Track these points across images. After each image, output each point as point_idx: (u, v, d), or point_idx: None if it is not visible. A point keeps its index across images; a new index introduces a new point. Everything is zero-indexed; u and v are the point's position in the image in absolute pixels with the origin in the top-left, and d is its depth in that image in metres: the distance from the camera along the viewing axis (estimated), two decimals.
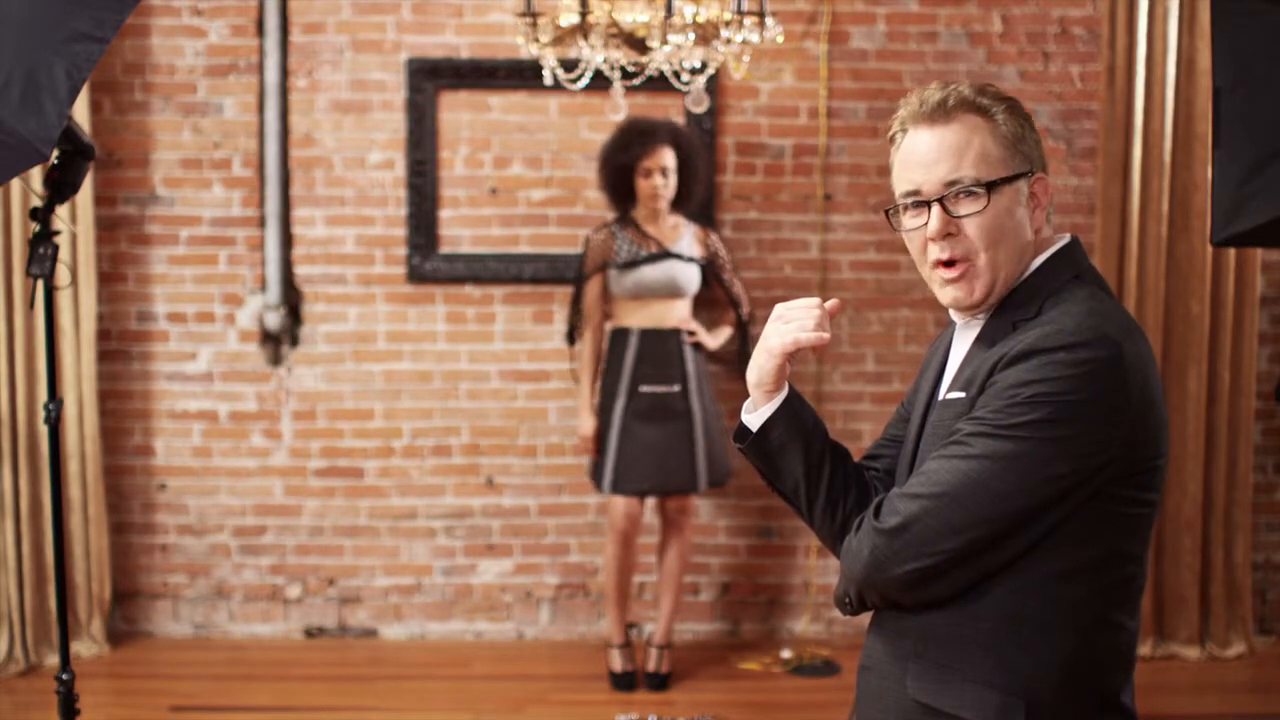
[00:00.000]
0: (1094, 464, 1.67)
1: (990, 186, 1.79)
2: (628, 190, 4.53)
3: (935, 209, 1.81)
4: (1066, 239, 1.88)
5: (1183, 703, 4.57)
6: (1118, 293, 4.86)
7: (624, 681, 4.57)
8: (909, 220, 1.85)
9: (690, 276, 4.55)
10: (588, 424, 4.55)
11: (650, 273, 4.50)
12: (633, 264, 4.49)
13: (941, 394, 1.86)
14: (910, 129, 1.85)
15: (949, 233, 1.81)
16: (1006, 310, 1.82)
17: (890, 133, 1.89)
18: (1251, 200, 2.66)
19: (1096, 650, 1.74)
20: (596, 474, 4.59)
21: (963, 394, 1.78)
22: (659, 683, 4.54)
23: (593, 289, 4.59)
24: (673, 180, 4.49)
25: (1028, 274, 1.83)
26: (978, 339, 1.85)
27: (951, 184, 1.79)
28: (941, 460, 1.73)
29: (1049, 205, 1.85)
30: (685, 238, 4.57)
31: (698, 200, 4.64)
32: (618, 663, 4.61)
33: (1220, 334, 4.89)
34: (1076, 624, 1.73)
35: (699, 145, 4.64)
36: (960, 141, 1.80)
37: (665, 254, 4.51)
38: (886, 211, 1.90)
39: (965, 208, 1.80)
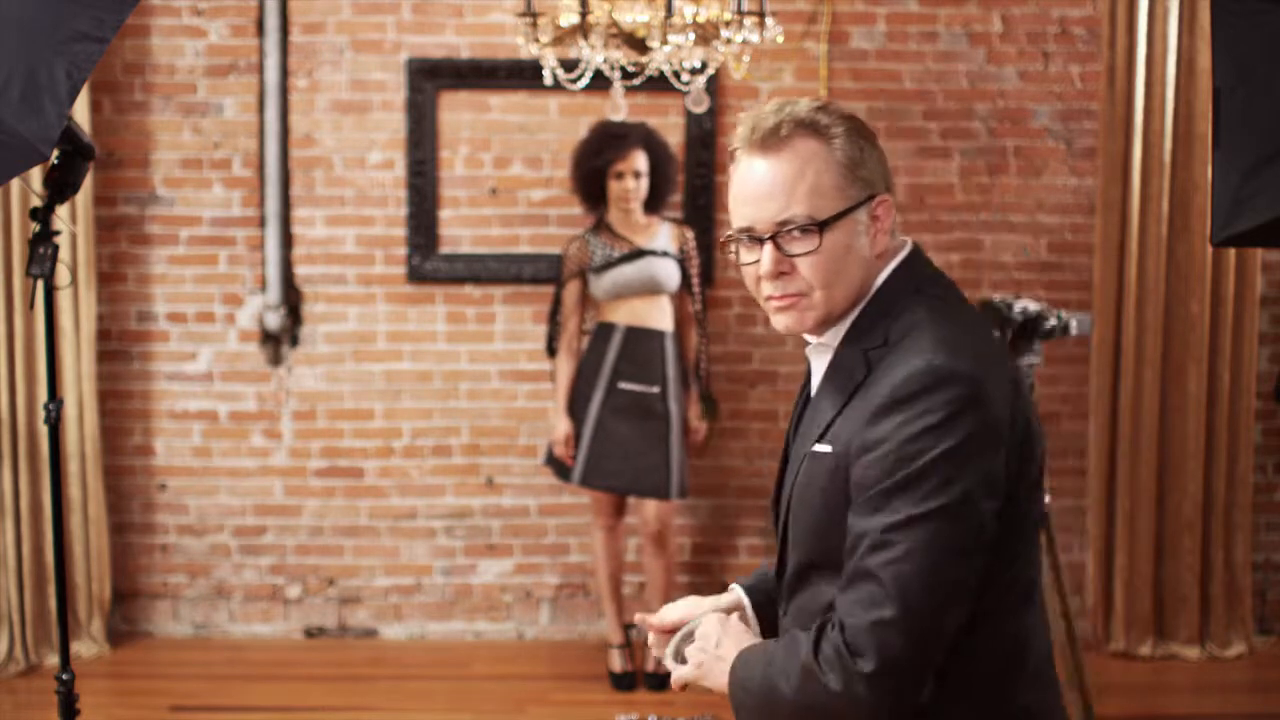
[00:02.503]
0: (1000, 490, 1.66)
1: (824, 225, 1.73)
2: (600, 192, 4.55)
3: (768, 248, 1.75)
4: (907, 249, 1.82)
5: (1183, 703, 4.57)
6: (1118, 293, 4.86)
7: (624, 681, 4.58)
8: (744, 254, 1.79)
9: (669, 272, 4.54)
10: (562, 427, 4.55)
11: (627, 271, 4.50)
12: (608, 265, 4.49)
13: (810, 444, 1.78)
14: (743, 156, 1.78)
15: (782, 271, 1.76)
16: (855, 338, 1.77)
17: (730, 149, 1.82)
18: (1252, 200, 2.65)
19: (997, 656, 1.74)
20: (560, 468, 4.58)
21: (829, 449, 1.73)
22: (659, 683, 4.54)
23: (569, 295, 4.59)
24: (644, 182, 4.51)
25: (871, 294, 1.78)
26: (831, 371, 1.80)
27: (784, 223, 1.74)
28: (874, 573, 1.62)
29: (892, 222, 1.79)
30: (661, 234, 4.57)
31: (667, 201, 4.66)
32: (617, 663, 4.62)
33: (1220, 334, 4.89)
34: (977, 633, 1.70)
35: (669, 147, 4.66)
36: (792, 174, 1.74)
37: (640, 252, 4.51)
38: (724, 242, 1.85)
39: (799, 247, 1.74)
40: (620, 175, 4.48)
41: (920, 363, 1.65)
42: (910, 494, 1.62)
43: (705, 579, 5.06)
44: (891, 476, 1.63)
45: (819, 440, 1.76)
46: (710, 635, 1.83)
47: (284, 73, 4.93)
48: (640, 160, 4.49)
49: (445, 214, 5.00)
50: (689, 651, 1.85)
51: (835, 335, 1.80)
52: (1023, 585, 1.76)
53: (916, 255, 1.83)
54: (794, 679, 1.66)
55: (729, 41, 3.41)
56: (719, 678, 1.79)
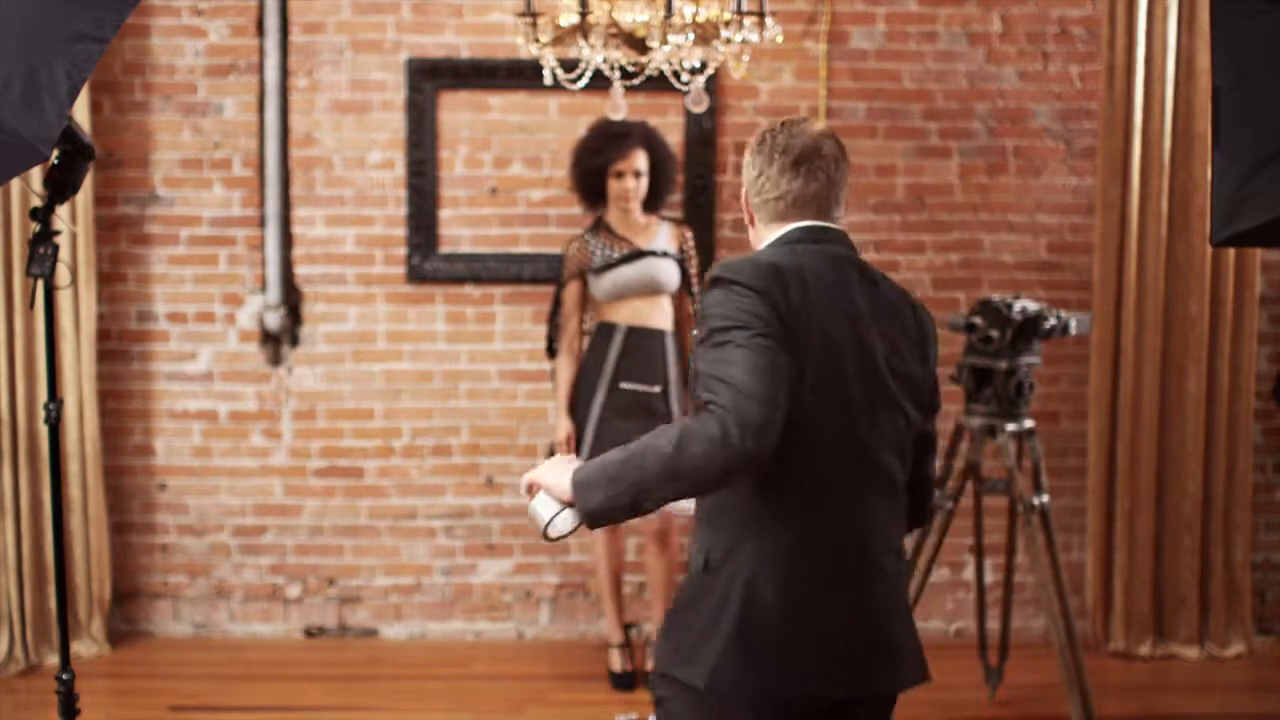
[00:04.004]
0: (760, 328, 2.15)
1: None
2: (599, 191, 4.55)
3: None
4: (780, 232, 2.34)
5: (1182, 703, 4.57)
6: (1117, 292, 4.87)
7: (624, 681, 4.58)
8: None
9: (669, 272, 4.54)
10: (563, 427, 4.54)
11: (627, 272, 4.50)
12: (608, 266, 4.49)
13: None
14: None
15: None
16: None
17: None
18: (1251, 200, 2.65)
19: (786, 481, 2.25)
20: None
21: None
22: None
23: (569, 296, 4.59)
24: (644, 182, 4.51)
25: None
26: None
27: None
28: (721, 378, 2.13)
29: (756, 213, 2.39)
30: (661, 234, 4.57)
31: (667, 201, 4.66)
32: (617, 663, 4.62)
33: (1219, 334, 4.90)
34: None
35: (669, 146, 4.66)
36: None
37: (639, 253, 4.51)
38: None
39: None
40: (620, 175, 4.48)
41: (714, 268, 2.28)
42: (711, 340, 2.18)
43: None
44: (703, 330, 2.23)
45: None
46: (558, 459, 2.29)
47: (284, 73, 4.93)
48: (640, 160, 4.49)
49: (445, 214, 5.01)
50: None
51: None
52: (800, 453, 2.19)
53: (793, 232, 2.33)
54: (672, 437, 2.09)
55: (728, 41, 3.42)
56: (562, 475, 2.18)
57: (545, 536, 2.20)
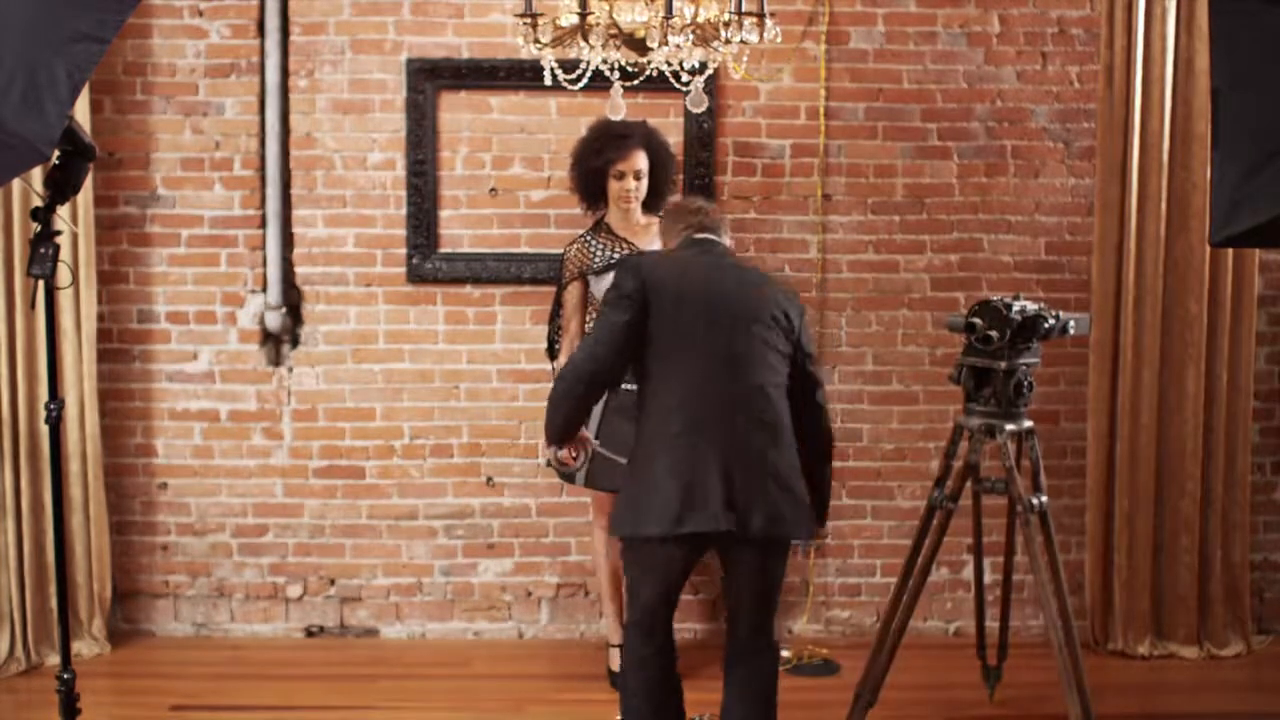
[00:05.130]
0: (626, 312, 3.45)
1: None
2: (599, 191, 4.55)
3: None
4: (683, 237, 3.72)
5: (1181, 702, 4.58)
6: (1116, 292, 4.87)
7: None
8: None
9: None
10: None
11: None
12: (609, 267, 4.49)
13: None
14: None
15: None
16: None
17: None
18: (1250, 200, 2.66)
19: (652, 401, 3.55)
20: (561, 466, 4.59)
21: None
22: None
23: (571, 297, 4.59)
24: (645, 182, 4.51)
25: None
26: None
27: None
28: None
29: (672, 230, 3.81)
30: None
31: (667, 201, 4.66)
32: (617, 662, 4.62)
33: (1218, 334, 4.90)
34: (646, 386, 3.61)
35: (670, 147, 4.66)
36: None
37: (640, 253, 4.51)
38: None
39: None
40: (621, 175, 4.49)
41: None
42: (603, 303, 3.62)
43: (706, 577, 5.07)
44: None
45: None
46: None
47: (284, 73, 4.94)
48: (641, 160, 4.50)
49: (445, 214, 5.01)
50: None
51: None
52: (660, 376, 3.48)
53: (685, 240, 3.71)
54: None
55: (728, 42, 3.42)
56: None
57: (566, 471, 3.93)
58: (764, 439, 3.43)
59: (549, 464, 4.15)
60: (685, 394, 3.41)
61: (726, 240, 3.74)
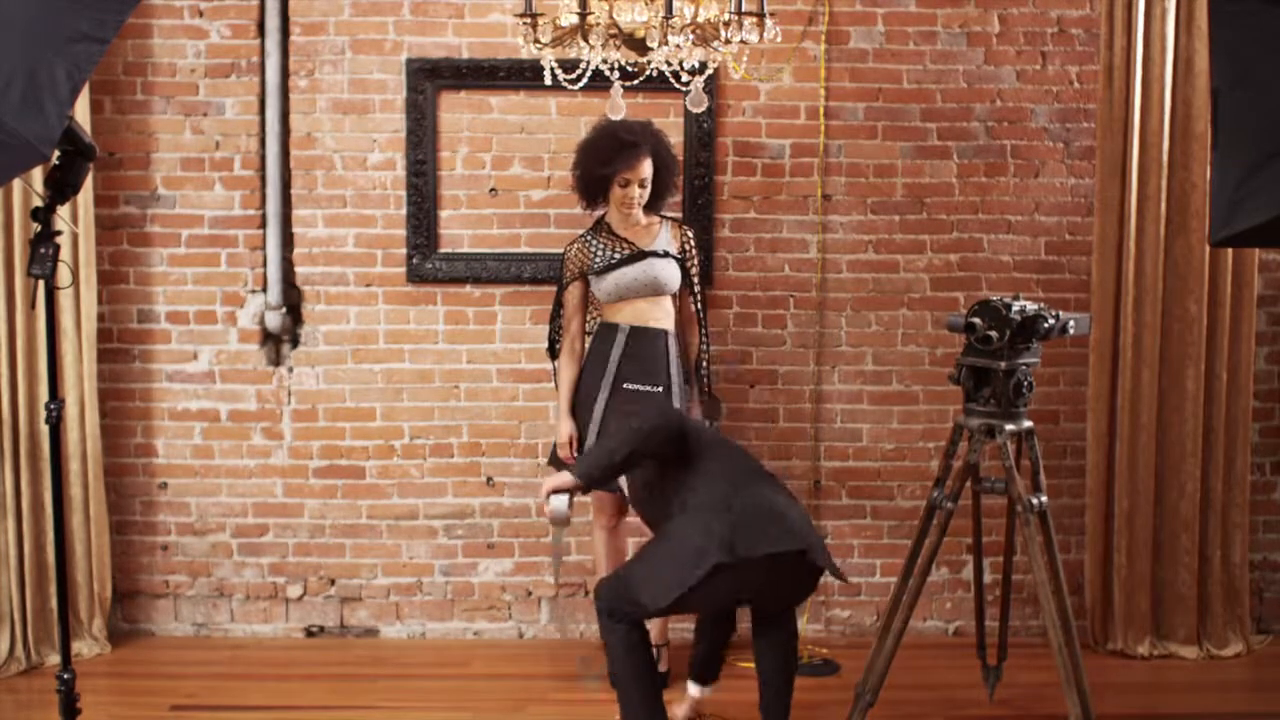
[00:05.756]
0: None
1: None
2: (601, 194, 4.54)
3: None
4: None
5: (1180, 702, 4.58)
6: (1115, 292, 4.88)
7: None
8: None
9: (671, 273, 4.54)
10: (565, 428, 4.55)
11: (629, 273, 4.50)
12: (610, 267, 4.49)
13: None
14: None
15: None
16: None
17: None
18: (1250, 200, 2.66)
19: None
20: (564, 469, 4.58)
21: None
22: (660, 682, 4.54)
23: (571, 296, 4.59)
24: (649, 189, 4.51)
25: None
26: None
27: None
28: None
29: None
30: (662, 235, 4.57)
31: (667, 201, 4.66)
32: None
33: (1218, 334, 4.90)
34: None
35: (672, 149, 4.65)
36: None
37: (641, 253, 4.51)
38: None
39: None
40: (626, 183, 4.47)
41: None
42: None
43: None
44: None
45: None
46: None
47: (284, 73, 4.94)
48: (647, 169, 4.48)
49: (445, 214, 5.01)
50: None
51: None
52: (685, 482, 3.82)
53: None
54: None
55: (728, 42, 3.42)
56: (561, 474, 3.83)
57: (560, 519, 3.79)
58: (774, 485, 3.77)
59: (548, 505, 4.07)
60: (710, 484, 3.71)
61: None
